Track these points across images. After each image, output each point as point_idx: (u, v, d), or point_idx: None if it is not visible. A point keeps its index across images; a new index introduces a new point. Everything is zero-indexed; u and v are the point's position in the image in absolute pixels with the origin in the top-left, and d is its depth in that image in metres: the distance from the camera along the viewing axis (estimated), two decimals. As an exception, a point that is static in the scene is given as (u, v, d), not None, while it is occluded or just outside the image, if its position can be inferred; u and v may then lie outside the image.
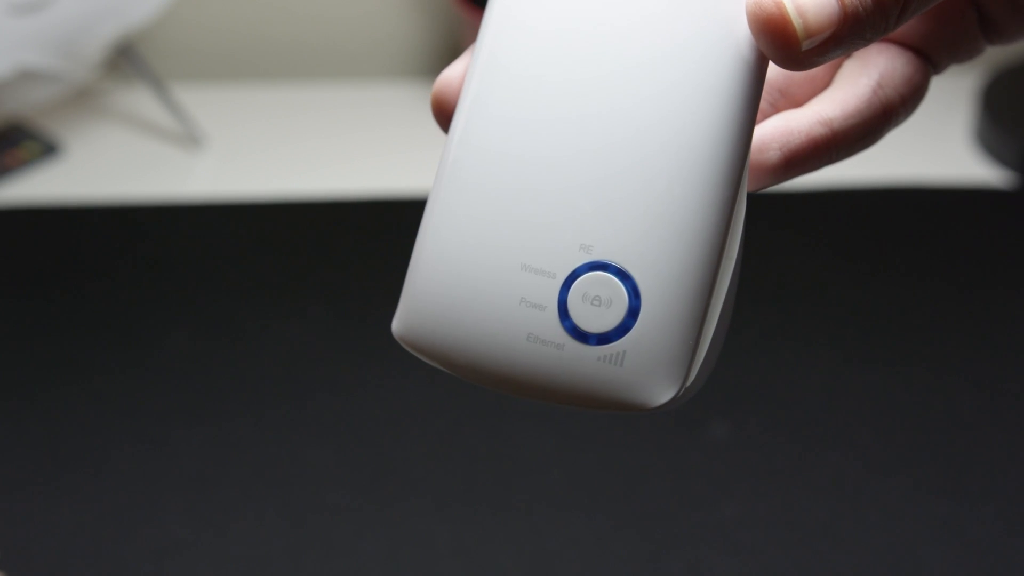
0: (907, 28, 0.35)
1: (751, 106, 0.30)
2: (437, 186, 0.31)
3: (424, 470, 0.65)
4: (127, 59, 0.89)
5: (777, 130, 0.34)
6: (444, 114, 0.32)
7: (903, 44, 0.35)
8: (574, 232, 0.30)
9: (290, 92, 0.95)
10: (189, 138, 0.90)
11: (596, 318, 0.30)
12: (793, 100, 0.36)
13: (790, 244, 0.79)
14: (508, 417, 0.68)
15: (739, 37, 0.30)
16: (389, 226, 0.81)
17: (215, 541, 0.62)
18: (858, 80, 0.35)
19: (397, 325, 0.31)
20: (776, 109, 0.36)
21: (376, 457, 0.66)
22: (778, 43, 0.29)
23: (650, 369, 0.30)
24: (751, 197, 0.32)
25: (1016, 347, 0.72)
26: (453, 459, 0.66)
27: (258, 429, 0.68)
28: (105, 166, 0.88)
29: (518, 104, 0.30)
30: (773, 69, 0.35)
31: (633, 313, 0.29)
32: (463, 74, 0.32)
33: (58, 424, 0.68)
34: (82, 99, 0.94)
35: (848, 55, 0.35)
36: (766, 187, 0.34)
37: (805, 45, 0.29)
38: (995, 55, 0.93)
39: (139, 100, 0.93)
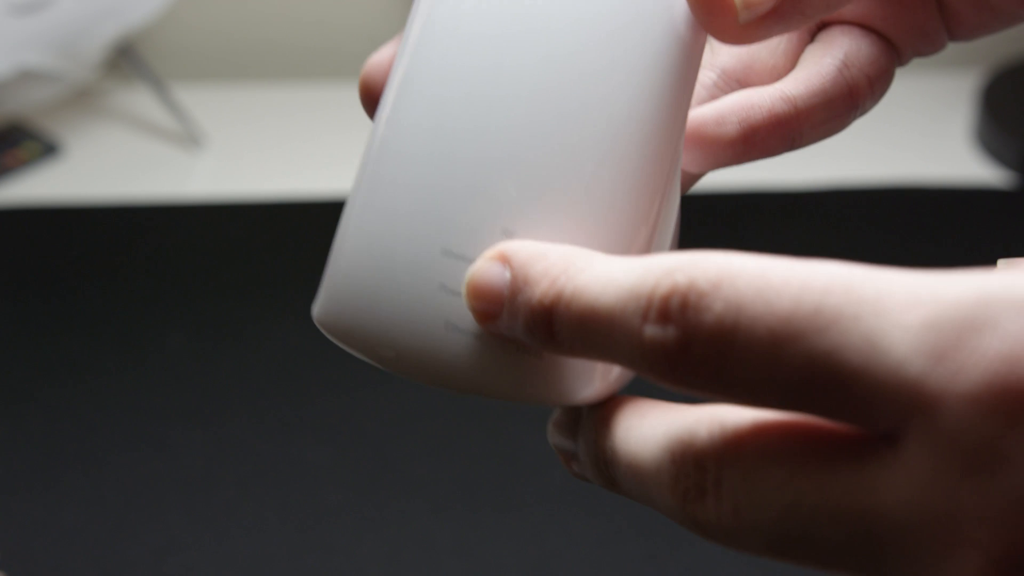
0: (868, 9, 0.33)
1: (685, 85, 0.29)
2: (362, 168, 0.30)
3: (424, 470, 0.65)
4: (127, 59, 0.89)
5: (737, 104, 0.32)
6: (371, 98, 0.31)
7: (865, 27, 0.34)
8: (496, 216, 0.28)
9: (290, 92, 0.95)
10: (189, 138, 0.90)
11: None
12: None
13: (790, 244, 0.79)
14: (508, 417, 0.68)
15: (675, 12, 0.29)
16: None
17: (215, 541, 0.62)
18: (822, 60, 0.33)
19: (317, 309, 0.30)
20: None
21: (376, 457, 0.66)
22: (714, 14, 0.28)
23: (570, 361, 0.27)
24: (750, 197, 0.31)
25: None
26: (453, 459, 0.66)
27: (258, 429, 0.68)
28: (105, 166, 0.88)
29: (443, 86, 0.29)
30: (731, 57, 0.34)
31: None
32: (391, 58, 0.31)
33: (58, 424, 0.68)
34: (82, 99, 0.94)
35: (809, 39, 0.34)
36: (723, 166, 0.32)
37: (743, 17, 0.28)
38: (995, 55, 0.93)
39: (139, 100, 0.93)
